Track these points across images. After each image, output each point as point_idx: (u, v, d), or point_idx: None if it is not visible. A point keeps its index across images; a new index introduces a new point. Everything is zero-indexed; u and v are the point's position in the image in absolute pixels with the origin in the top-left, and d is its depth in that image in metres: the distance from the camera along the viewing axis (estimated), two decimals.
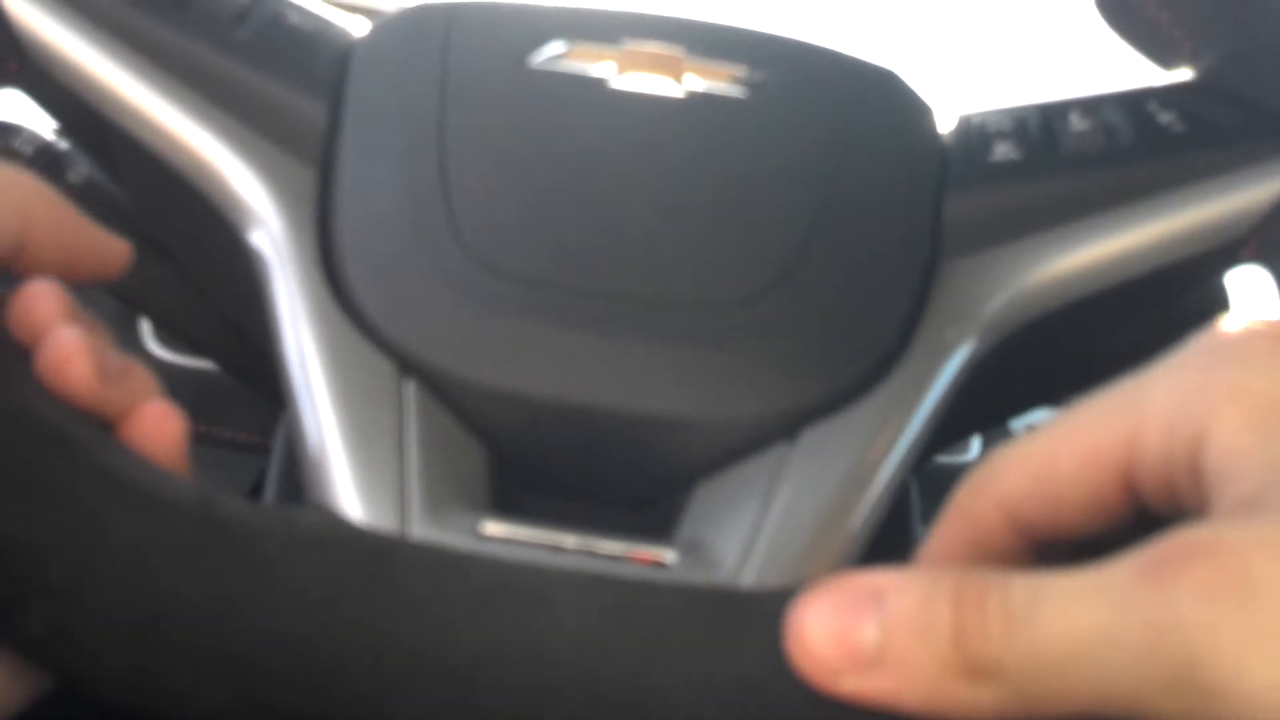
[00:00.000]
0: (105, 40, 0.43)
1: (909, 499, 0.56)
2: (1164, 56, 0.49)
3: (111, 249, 0.34)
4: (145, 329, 0.80)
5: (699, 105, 0.46)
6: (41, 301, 0.30)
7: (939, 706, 0.21)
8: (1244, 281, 0.49)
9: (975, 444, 0.87)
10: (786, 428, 0.40)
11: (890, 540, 0.47)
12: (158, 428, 0.31)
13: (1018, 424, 0.90)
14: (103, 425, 0.30)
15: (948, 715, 0.21)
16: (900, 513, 0.55)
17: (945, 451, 0.85)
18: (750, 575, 0.37)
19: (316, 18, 0.47)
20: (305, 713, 0.26)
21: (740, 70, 0.47)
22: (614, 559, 0.38)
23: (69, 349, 0.29)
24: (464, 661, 0.26)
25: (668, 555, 0.38)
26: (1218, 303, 0.56)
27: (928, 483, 0.60)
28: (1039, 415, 0.91)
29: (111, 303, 0.60)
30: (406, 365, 0.40)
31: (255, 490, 0.69)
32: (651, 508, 0.42)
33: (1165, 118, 0.45)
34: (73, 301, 0.31)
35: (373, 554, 0.27)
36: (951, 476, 0.87)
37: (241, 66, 0.44)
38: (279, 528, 0.27)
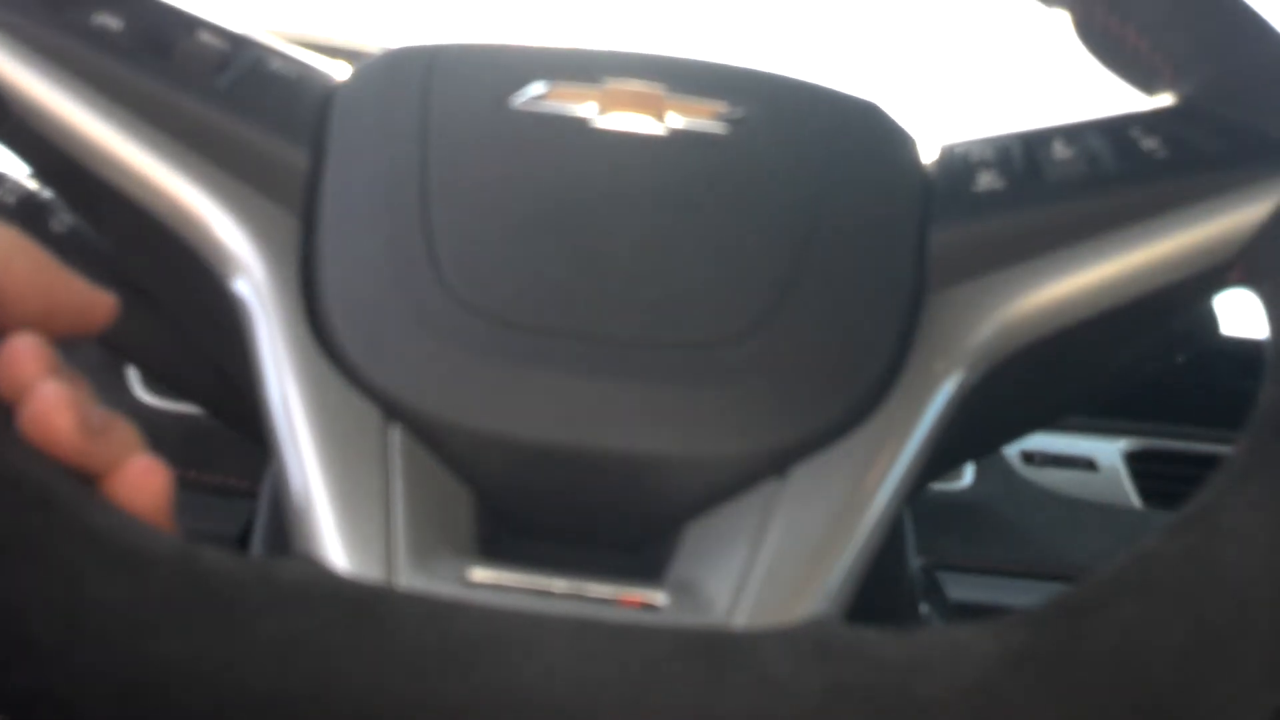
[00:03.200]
0: (85, 90, 0.43)
1: (903, 530, 0.56)
2: (1145, 82, 0.49)
3: (95, 302, 0.34)
4: (132, 375, 0.80)
5: (681, 143, 0.46)
6: (24, 357, 0.30)
7: None
8: (1231, 305, 0.49)
9: (968, 470, 0.88)
10: (776, 464, 0.40)
11: (884, 572, 0.46)
12: (142, 482, 0.31)
13: (1011, 448, 0.90)
14: (87, 480, 0.30)
15: None
16: (895, 544, 0.55)
17: (938, 480, 0.85)
18: (742, 615, 0.37)
19: (298, 63, 0.47)
20: None
21: (721, 106, 0.47)
22: (604, 602, 0.37)
23: (52, 404, 0.29)
24: (454, 712, 0.26)
25: (658, 597, 0.37)
26: (1206, 325, 0.56)
27: (922, 512, 0.60)
28: (1033, 439, 0.91)
29: (98, 349, 0.60)
30: (391, 410, 0.40)
31: (244, 536, 0.69)
32: (642, 549, 0.41)
33: (1148, 143, 0.45)
34: (56, 356, 0.31)
35: (359, 605, 0.27)
36: (945, 506, 0.88)
37: (223, 114, 0.44)
38: (263, 580, 0.27)
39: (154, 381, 0.79)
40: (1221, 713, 0.28)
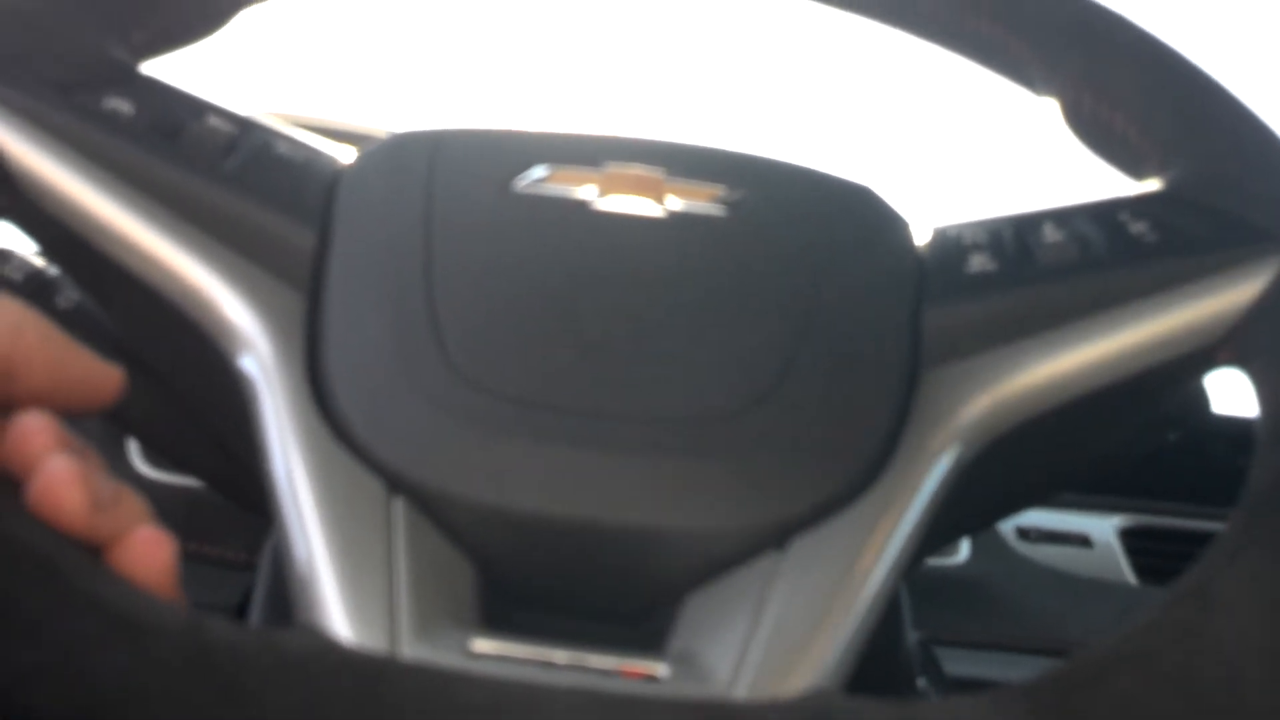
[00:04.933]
0: (95, 172, 0.44)
1: (900, 604, 0.56)
2: (1133, 168, 0.50)
3: (104, 376, 0.34)
4: (133, 448, 0.80)
5: (680, 225, 0.47)
6: (32, 433, 0.31)
7: None
8: (1221, 384, 0.50)
9: (964, 546, 0.88)
10: (775, 538, 0.40)
11: (882, 646, 0.46)
12: (147, 553, 0.31)
13: (1007, 524, 0.91)
14: (93, 551, 0.30)
15: None
16: (892, 618, 0.55)
17: (934, 555, 0.85)
18: (743, 687, 0.37)
19: (304, 146, 0.48)
20: None
21: (719, 190, 0.48)
22: (605, 673, 0.37)
23: (60, 480, 0.30)
24: None
25: (659, 668, 0.38)
26: (1197, 405, 0.56)
27: (918, 587, 0.60)
28: (1028, 515, 0.91)
29: (99, 422, 0.61)
30: (395, 484, 0.40)
31: (242, 608, 0.68)
32: (643, 621, 0.41)
33: (1137, 227, 0.46)
34: (64, 432, 0.32)
35: (362, 676, 0.27)
36: (941, 581, 0.88)
37: (230, 196, 0.44)
38: (268, 652, 0.27)
39: (153, 454, 0.79)
40: None
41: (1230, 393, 0.56)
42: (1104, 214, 0.47)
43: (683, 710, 0.27)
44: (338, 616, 0.37)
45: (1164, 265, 0.45)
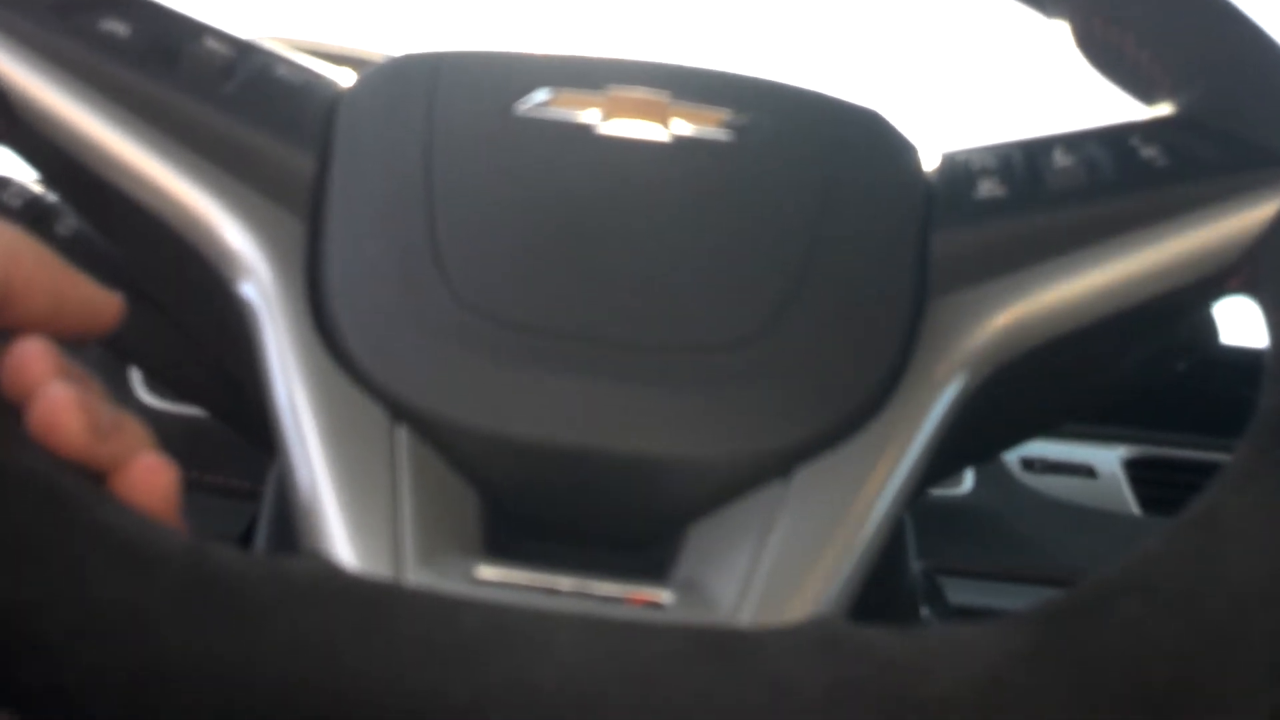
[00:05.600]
0: (92, 95, 0.43)
1: (904, 533, 0.56)
2: (1144, 92, 0.49)
3: (103, 302, 0.34)
4: (135, 377, 0.80)
5: (685, 149, 0.46)
6: (31, 359, 0.31)
7: None
8: (1231, 312, 0.50)
9: (968, 477, 0.88)
10: (780, 467, 0.40)
11: (886, 575, 0.47)
12: (149, 479, 0.31)
13: (1011, 455, 0.91)
14: (96, 478, 0.30)
15: None
16: (896, 547, 0.55)
17: (939, 485, 0.85)
18: (747, 614, 0.37)
19: (303, 70, 0.48)
20: None
21: (725, 114, 0.48)
22: (610, 600, 0.38)
23: (60, 405, 0.30)
24: (464, 707, 0.26)
25: (664, 596, 0.38)
26: (1206, 333, 0.56)
27: (922, 517, 0.60)
28: (1033, 446, 0.91)
29: (100, 351, 0.61)
30: (398, 411, 0.40)
31: (245, 537, 0.69)
32: (647, 549, 0.42)
33: (1148, 152, 0.46)
34: (64, 358, 0.31)
35: (368, 601, 0.27)
36: (946, 511, 0.88)
37: (229, 119, 0.44)
38: (273, 577, 0.27)
39: (155, 383, 0.79)
40: (1222, 710, 0.28)
41: (1239, 322, 0.56)
42: (1115, 138, 0.47)
43: (686, 636, 0.27)
44: (342, 543, 0.37)
45: (1175, 190, 0.45)
